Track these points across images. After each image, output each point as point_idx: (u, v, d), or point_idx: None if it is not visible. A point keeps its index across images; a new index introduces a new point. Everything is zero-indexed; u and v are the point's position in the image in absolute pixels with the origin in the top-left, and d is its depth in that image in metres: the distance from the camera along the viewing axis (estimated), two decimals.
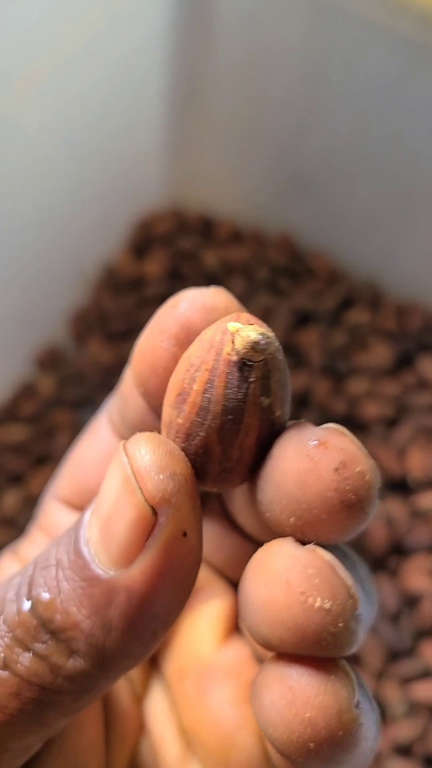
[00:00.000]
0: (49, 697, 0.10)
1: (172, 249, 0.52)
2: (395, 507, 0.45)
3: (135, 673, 0.15)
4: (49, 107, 0.38)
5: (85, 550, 0.10)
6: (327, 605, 0.10)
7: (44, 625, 0.10)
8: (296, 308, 0.50)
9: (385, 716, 0.40)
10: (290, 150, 0.48)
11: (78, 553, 0.10)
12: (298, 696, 0.10)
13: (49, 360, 0.49)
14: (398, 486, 0.47)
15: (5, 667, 0.10)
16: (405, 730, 0.38)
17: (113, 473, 0.10)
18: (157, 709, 0.15)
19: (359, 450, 0.10)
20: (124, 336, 0.50)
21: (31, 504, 0.42)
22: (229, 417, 0.10)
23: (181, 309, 0.12)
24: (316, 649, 0.10)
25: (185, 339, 0.11)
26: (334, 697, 0.10)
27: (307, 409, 0.48)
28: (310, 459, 0.10)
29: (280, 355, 0.11)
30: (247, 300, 0.50)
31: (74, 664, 0.10)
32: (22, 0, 0.32)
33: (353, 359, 0.49)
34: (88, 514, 0.10)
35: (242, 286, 0.51)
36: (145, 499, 0.09)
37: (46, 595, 0.10)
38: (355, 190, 0.48)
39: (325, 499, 0.10)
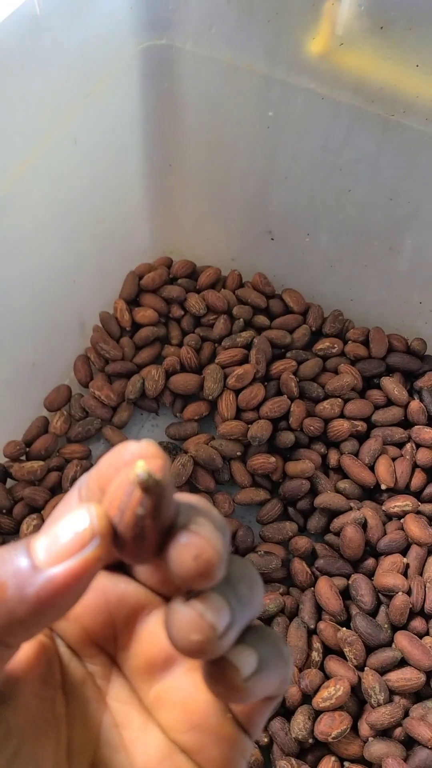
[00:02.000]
0: None
1: (161, 296, 0.59)
2: (369, 514, 0.50)
3: (96, 671, 0.19)
4: (44, 186, 0.45)
5: (24, 552, 0.15)
6: (197, 637, 0.16)
7: None
8: (274, 341, 0.56)
9: (367, 705, 0.44)
10: (257, 205, 0.55)
11: (21, 554, 0.15)
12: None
13: (58, 401, 0.55)
14: (370, 494, 0.52)
15: None
16: (385, 716, 0.43)
17: (70, 516, 0.15)
18: (120, 695, 0.19)
19: (208, 543, 0.15)
20: (122, 376, 0.56)
21: None
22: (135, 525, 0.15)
23: (129, 455, 0.16)
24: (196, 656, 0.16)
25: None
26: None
27: (287, 430, 0.53)
28: (181, 552, 0.15)
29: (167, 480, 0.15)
30: (228, 336, 0.56)
31: None
32: (16, 96, 0.39)
33: (326, 383, 0.55)
34: (36, 536, 0.16)
35: (224, 324, 0.57)
36: (92, 530, 0.15)
37: None
38: (317, 235, 0.54)
39: (191, 573, 0.15)
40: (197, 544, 0.15)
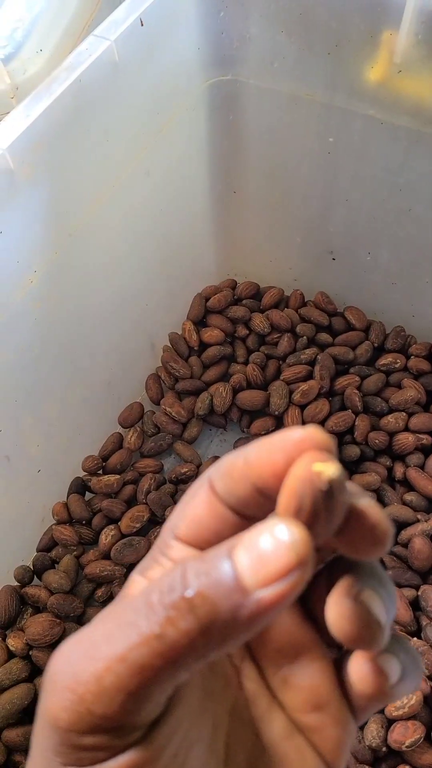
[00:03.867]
0: (181, 659, 0.15)
1: (226, 317, 0.61)
2: None
3: (234, 652, 0.20)
4: (119, 216, 0.48)
5: (230, 570, 0.15)
6: (365, 631, 0.17)
7: (192, 610, 0.15)
8: (337, 357, 0.58)
9: None
10: (318, 226, 0.57)
11: (226, 573, 0.15)
12: None
13: (132, 418, 0.58)
14: None
15: (160, 636, 0.15)
16: None
17: (273, 535, 0.15)
18: (251, 674, 0.20)
19: (383, 517, 0.16)
20: (192, 393, 0.59)
21: (121, 539, 0.50)
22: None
23: (296, 438, 0.16)
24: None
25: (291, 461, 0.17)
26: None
27: (352, 443, 0.54)
28: (363, 526, 0.16)
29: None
30: (292, 353, 0.58)
31: (204, 639, 0.15)
32: (97, 135, 0.43)
33: (389, 398, 0.56)
34: (235, 551, 0.16)
35: (288, 342, 0.59)
36: (299, 559, 0.15)
37: (201, 590, 0.15)
38: (378, 253, 0.56)
39: (371, 543, 0.16)
40: (376, 516, 0.16)
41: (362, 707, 0.19)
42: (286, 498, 0.15)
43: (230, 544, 0.16)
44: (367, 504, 0.16)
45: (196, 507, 0.18)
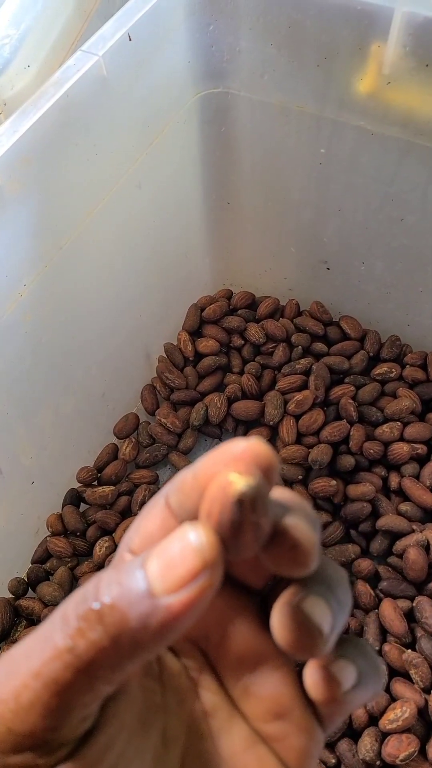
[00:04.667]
0: (95, 671, 0.15)
1: (222, 327, 0.61)
2: (431, 536, 0.50)
3: (190, 664, 0.20)
4: (111, 228, 0.48)
5: (142, 578, 0.15)
6: (304, 639, 0.16)
7: (101, 620, 0.14)
8: (332, 367, 0.58)
9: None
10: (312, 236, 0.57)
11: (138, 580, 0.15)
12: None
13: (127, 429, 0.58)
14: None
15: (71, 649, 0.15)
16: None
17: (181, 540, 0.15)
18: (210, 685, 0.20)
19: (305, 535, 0.16)
20: (187, 403, 0.59)
21: (116, 551, 0.50)
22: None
23: (237, 450, 0.16)
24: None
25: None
26: None
27: (347, 453, 0.54)
28: (281, 545, 0.16)
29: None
30: (287, 363, 0.58)
31: (115, 650, 0.15)
32: (87, 149, 0.43)
33: (384, 407, 0.56)
34: (149, 558, 0.16)
35: (283, 352, 0.59)
36: (204, 562, 0.15)
37: (108, 600, 0.15)
38: (372, 263, 0.56)
39: (289, 562, 0.16)
40: (299, 535, 0.16)
41: (324, 715, 0.19)
42: (202, 505, 0.15)
43: (147, 552, 0.15)
44: (293, 522, 0.16)
45: (150, 521, 0.18)
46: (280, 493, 0.17)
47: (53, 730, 0.15)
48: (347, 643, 0.18)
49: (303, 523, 0.16)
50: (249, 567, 0.19)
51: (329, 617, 0.17)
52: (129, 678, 0.17)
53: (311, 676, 0.18)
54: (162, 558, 0.15)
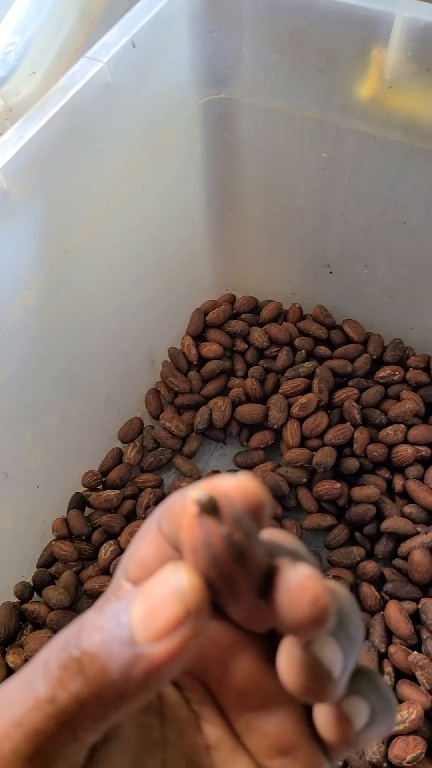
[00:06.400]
0: (78, 722, 0.14)
1: (225, 331, 0.61)
2: None
3: (192, 697, 0.19)
4: (116, 234, 0.49)
5: (126, 624, 0.14)
6: (314, 684, 0.15)
7: (81, 671, 0.14)
8: (335, 370, 0.58)
9: None
10: (315, 241, 0.57)
11: (121, 627, 0.14)
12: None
13: (131, 433, 0.58)
14: None
15: (52, 699, 0.14)
16: None
17: (164, 584, 0.14)
18: (213, 718, 0.19)
19: (324, 588, 0.14)
20: (191, 407, 0.59)
21: (121, 555, 0.51)
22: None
23: (227, 487, 0.15)
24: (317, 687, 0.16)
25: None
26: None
27: (351, 456, 0.54)
28: (296, 597, 0.14)
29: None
30: (291, 366, 0.58)
31: (96, 702, 0.14)
32: (92, 155, 0.43)
33: (388, 410, 0.56)
34: (133, 603, 0.14)
35: (287, 356, 0.59)
36: (187, 610, 0.14)
37: (89, 647, 0.14)
38: (374, 267, 0.56)
39: (307, 619, 0.14)
40: (314, 588, 0.14)
41: (334, 750, 0.18)
42: (182, 540, 0.14)
43: (132, 594, 0.15)
44: (303, 570, 0.15)
45: (144, 548, 0.17)
46: (277, 536, 0.17)
47: None
48: (359, 676, 0.17)
49: (311, 572, 0.15)
50: (256, 616, 0.18)
51: (340, 658, 0.16)
52: (121, 721, 0.16)
53: (322, 715, 0.17)
54: (145, 603, 0.14)
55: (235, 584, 0.14)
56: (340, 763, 0.44)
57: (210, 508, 0.14)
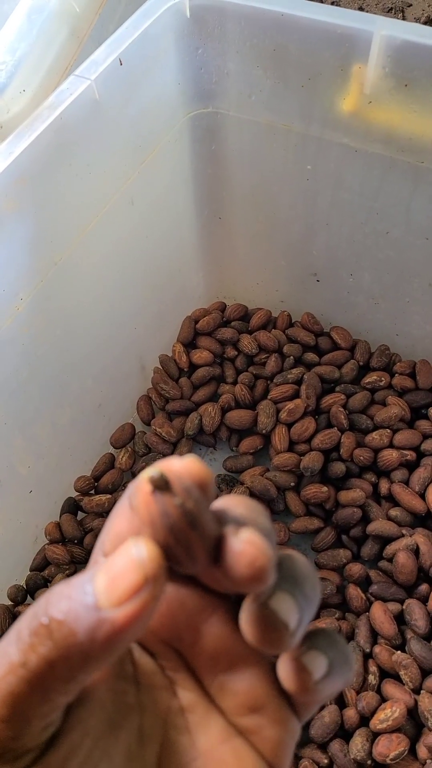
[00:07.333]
0: (49, 684, 0.15)
1: (215, 338, 0.63)
2: (421, 540, 0.51)
3: (166, 664, 0.21)
4: (105, 244, 0.50)
5: (90, 592, 0.15)
6: (272, 635, 0.17)
7: (50, 635, 0.15)
8: (323, 376, 0.59)
9: (425, 728, 0.45)
10: (302, 250, 0.58)
11: (87, 594, 0.15)
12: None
13: (123, 438, 0.59)
14: (422, 521, 0.54)
15: (24, 663, 0.15)
16: None
17: (126, 555, 0.16)
18: (186, 683, 0.20)
19: (259, 550, 0.16)
20: (182, 413, 0.60)
21: None
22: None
23: (176, 468, 0.17)
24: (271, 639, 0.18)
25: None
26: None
27: (338, 460, 0.56)
28: (236, 561, 0.16)
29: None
30: (280, 373, 0.60)
31: (64, 663, 0.15)
32: (81, 170, 0.44)
33: (374, 415, 0.57)
34: (97, 573, 0.16)
35: (276, 362, 0.60)
36: (146, 576, 0.15)
37: (57, 615, 0.15)
38: (360, 275, 0.58)
39: (246, 579, 0.16)
40: (250, 552, 0.16)
41: (299, 705, 0.20)
42: (139, 515, 0.16)
43: (96, 566, 0.16)
44: (242, 535, 0.17)
45: (118, 524, 0.18)
46: (230, 502, 0.18)
47: (13, 739, 0.16)
48: (317, 634, 0.19)
49: (252, 535, 0.17)
50: (215, 578, 0.19)
51: (295, 613, 0.17)
52: (94, 684, 0.18)
53: (283, 667, 0.19)
54: (108, 573, 0.15)
55: (191, 548, 0.16)
56: (326, 761, 0.45)
57: (162, 484, 0.16)
